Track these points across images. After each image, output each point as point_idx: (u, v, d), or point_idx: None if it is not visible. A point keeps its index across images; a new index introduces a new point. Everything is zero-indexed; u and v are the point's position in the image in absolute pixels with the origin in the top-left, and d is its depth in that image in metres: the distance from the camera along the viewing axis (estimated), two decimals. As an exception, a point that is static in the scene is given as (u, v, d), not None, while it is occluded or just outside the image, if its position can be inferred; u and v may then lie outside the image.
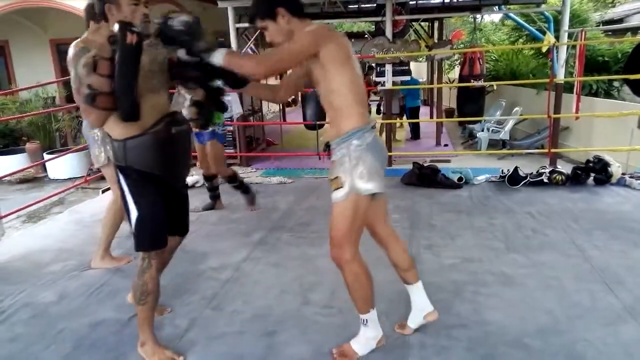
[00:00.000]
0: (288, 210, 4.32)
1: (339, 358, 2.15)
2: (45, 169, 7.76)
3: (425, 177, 4.88)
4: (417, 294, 2.28)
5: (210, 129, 3.98)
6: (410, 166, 5.11)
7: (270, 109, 13.21)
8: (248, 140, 7.69)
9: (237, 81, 2.11)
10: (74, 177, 7.29)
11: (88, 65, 1.86)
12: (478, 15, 9.47)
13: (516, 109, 8.41)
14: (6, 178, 6.58)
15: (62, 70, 8.62)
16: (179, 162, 2.21)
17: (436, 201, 4.41)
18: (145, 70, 1.93)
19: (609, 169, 4.64)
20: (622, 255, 3.12)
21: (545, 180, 4.70)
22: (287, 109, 12.10)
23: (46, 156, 7.46)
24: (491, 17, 16.41)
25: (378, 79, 6.88)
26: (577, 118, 6.49)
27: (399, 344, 2.24)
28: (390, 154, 6.48)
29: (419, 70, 15.70)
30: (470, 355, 2.17)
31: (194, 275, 3.10)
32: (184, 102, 3.78)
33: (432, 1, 9.37)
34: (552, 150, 5.77)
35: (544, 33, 6.81)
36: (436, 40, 9.91)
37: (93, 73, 1.82)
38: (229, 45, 2.04)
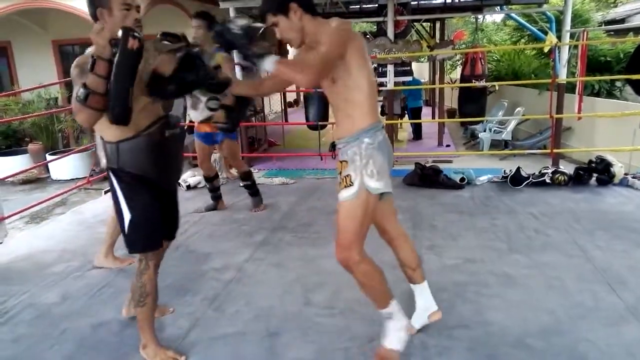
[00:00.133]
0: (290, 211, 4.33)
1: None
2: (47, 170, 7.78)
3: (427, 177, 4.88)
4: (423, 293, 2.27)
5: None
6: (412, 167, 5.11)
7: (272, 109, 13.22)
8: (250, 141, 7.70)
9: (220, 84, 2.12)
10: (77, 178, 7.31)
11: (86, 64, 1.86)
12: (480, 16, 9.47)
13: (518, 109, 8.41)
14: (9, 179, 6.61)
15: (65, 71, 8.64)
16: (171, 165, 2.22)
17: (438, 202, 4.41)
18: (140, 73, 1.93)
19: (612, 169, 4.63)
20: (624, 256, 3.12)
21: (548, 181, 4.69)
22: (289, 109, 12.10)
23: (49, 157, 7.49)
24: (493, 18, 16.38)
25: (380, 80, 6.88)
26: (579, 118, 6.48)
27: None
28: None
29: (420, 70, 15.69)
30: (472, 356, 2.17)
31: (197, 275, 3.10)
32: (198, 103, 3.81)
33: (434, 1, 9.37)
34: (555, 150, 5.76)
35: (545, 33, 6.80)
36: (438, 41, 9.90)
37: (90, 72, 1.83)
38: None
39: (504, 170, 4.97)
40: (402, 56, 6.24)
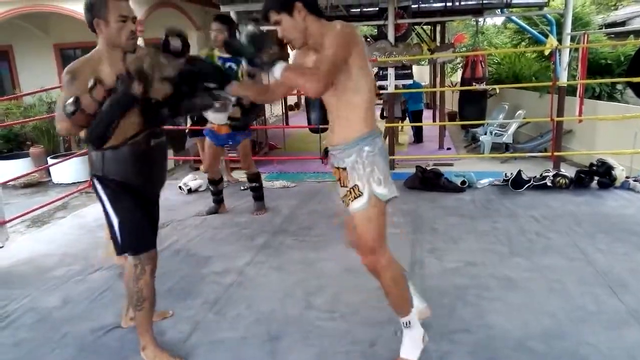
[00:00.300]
0: (291, 215, 4.33)
1: None
2: (49, 174, 7.79)
3: (428, 180, 4.88)
4: None
5: None
6: (413, 170, 5.11)
7: (273, 112, 13.24)
8: (251, 144, 7.69)
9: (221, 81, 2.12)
10: (78, 182, 7.32)
11: (79, 72, 1.90)
12: (480, 19, 9.50)
13: (519, 112, 8.41)
14: (10, 182, 6.61)
15: (66, 75, 8.65)
16: (155, 174, 2.22)
17: (439, 205, 4.41)
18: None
19: (613, 172, 4.63)
20: (625, 259, 3.11)
21: (549, 184, 4.68)
22: (289, 113, 12.12)
23: (50, 161, 7.50)
24: (493, 20, 16.44)
25: (380, 83, 6.89)
26: (580, 121, 6.49)
27: (399, 350, 2.23)
28: (393, 157, 6.49)
29: (421, 73, 15.72)
30: (473, 360, 2.17)
31: (197, 279, 3.10)
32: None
33: (435, 5, 9.40)
34: (556, 153, 5.76)
35: (546, 36, 6.82)
36: (438, 44, 9.94)
37: (88, 92, 1.85)
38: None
39: (505, 174, 4.96)
40: (402, 59, 6.26)
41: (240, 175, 5.47)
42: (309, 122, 8.03)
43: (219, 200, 4.45)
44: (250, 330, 2.49)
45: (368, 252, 1.98)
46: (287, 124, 10.96)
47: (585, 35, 5.97)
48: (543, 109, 7.07)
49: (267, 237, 3.77)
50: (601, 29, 11.79)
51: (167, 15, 7.99)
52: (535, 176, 4.81)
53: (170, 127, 2.15)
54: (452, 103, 11.85)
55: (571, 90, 6.84)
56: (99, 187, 2.09)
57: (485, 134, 8.42)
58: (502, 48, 13.01)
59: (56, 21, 8.45)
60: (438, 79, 9.91)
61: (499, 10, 9.56)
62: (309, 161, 6.88)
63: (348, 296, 2.70)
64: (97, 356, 2.33)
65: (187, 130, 5.93)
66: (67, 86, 1.93)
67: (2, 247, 3.88)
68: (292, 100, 15.32)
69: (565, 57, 6.04)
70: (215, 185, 4.38)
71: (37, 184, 7.63)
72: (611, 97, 8.80)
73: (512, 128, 8.24)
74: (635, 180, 4.65)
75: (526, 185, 4.69)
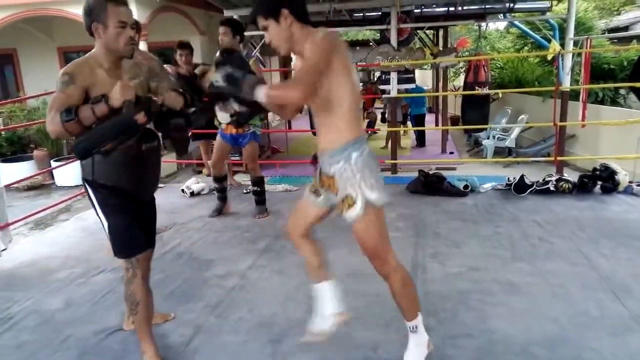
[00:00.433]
0: (293, 218, 4.32)
1: None
2: (52, 176, 7.80)
3: (431, 184, 4.88)
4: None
5: (252, 129, 4.19)
6: (415, 174, 5.11)
7: (275, 116, 13.25)
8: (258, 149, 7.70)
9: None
10: (81, 185, 7.33)
11: (76, 74, 1.93)
12: (483, 23, 9.50)
13: (522, 116, 8.41)
14: (14, 185, 6.61)
15: (70, 78, 8.68)
16: (147, 177, 2.21)
17: (442, 209, 4.40)
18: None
19: (616, 177, 4.62)
20: (629, 264, 3.10)
21: (552, 189, 4.68)
22: (292, 117, 12.10)
23: (53, 163, 7.51)
24: (496, 25, 16.44)
25: (383, 87, 6.90)
26: (583, 126, 6.48)
27: (402, 354, 2.22)
28: (395, 161, 6.50)
29: (424, 78, 15.71)
30: (476, 365, 2.16)
31: (200, 282, 3.10)
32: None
33: (437, 9, 9.42)
34: (559, 158, 5.75)
35: (549, 41, 6.83)
36: (441, 48, 9.94)
37: (89, 105, 1.86)
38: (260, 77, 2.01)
39: (508, 178, 4.96)
40: (405, 64, 6.26)
41: (243, 179, 5.48)
42: (312, 126, 8.02)
43: (223, 197, 4.49)
44: (251, 333, 2.49)
45: (376, 257, 1.99)
46: (289, 127, 10.96)
47: (588, 40, 5.96)
48: (546, 113, 7.07)
49: (269, 241, 3.77)
50: (604, 33, 11.80)
51: (170, 20, 8.01)
52: (538, 181, 4.80)
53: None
54: (454, 107, 11.85)
55: (574, 95, 6.83)
56: (89, 190, 2.09)
57: (488, 138, 8.41)
58: (505, 53, 13.01)
59: (60, 25, 8.48)
60: (441, 84, 9.92)
61: (502, 15, 9.57)
62: (311, 165, 6.87)
63: (350, 300, 2.68)
64: (99, 359, 2.34)
65: (189, 134, 5.95)
66: (61, 87, 1.93)
67: (5, 249, 3.89)
68: (294, 104, 15.33)
69: (568, 62, 6.04)
70: (220, 183, 4.42)
71: (40, 186, 7.64)
72: (614, 102, 8.80)
73: (515, 132, 8.23)
74: (638, 185, 4.64)
75: (529, 190, 4.69)
